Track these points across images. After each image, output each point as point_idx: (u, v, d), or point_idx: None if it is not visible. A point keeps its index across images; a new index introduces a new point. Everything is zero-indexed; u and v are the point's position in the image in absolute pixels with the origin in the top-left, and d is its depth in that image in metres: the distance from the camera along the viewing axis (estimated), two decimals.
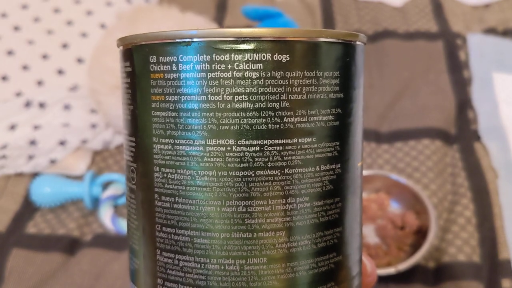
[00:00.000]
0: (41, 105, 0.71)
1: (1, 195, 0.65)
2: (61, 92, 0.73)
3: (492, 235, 0.56)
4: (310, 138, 0.21)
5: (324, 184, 0.22)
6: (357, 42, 0.23)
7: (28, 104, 0.71)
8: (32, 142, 0.67)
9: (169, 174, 0.21)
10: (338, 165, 0.22)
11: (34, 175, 0.66)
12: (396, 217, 0.57)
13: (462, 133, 0.68)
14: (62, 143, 0.68)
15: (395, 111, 0.71)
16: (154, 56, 0.21)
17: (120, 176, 0.61)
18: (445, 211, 0.59)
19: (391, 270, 0.50)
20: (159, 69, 0.21)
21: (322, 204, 0.22)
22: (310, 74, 0.21)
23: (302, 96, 0.21)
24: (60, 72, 0.76)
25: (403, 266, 0.50)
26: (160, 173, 0.22)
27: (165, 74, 0.21)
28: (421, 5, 0.88)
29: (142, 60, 0.22)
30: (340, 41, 0.22)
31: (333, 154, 0.22)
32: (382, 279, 0.53)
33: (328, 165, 0.22)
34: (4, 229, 0.61)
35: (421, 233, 0.54)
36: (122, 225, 0.59)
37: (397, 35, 0.83)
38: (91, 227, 0.61)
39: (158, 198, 0.22)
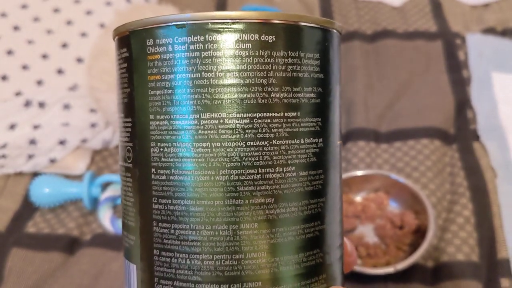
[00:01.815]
0: (41, 105, 0.71)
1: (1, 195, 0.65)
2: (60, 91, 0.73)
3: (491, 235, 0.56)
4: (295, 113, 0.23)
5: (308, 156, 0.24)
6: (334, 30, 0.25)
7: (27, 104, 0.71)
8: (32, 142, 0.67)
9: (165, 148, 0.23)
10: (320, 140, 0.24)
11: (34, 174, 0.67)
12: (395, 216, 0.57)
13: (461, 133, 0.68)
14: (61, 142, 0.68)
15: (394, 111, 0.71)
16: (151, 39, 0.23)
17: (119, 177, 0.61)
18: (444, 211, 0.59)
19: (390, 270, 0.50)
20: (155, 51, 0.23)
21: (307, 174, 0.24)
22: (294, 54, 0.23)
23: (287, 73, 0.23)
24: (60, 71, 0.76)
25: (402, 265, 0.50)
26: (157, 148, 0.23)
27: (161, 55, 0.23)
28: (420, 5, 0.88)
29: (140, 44, 0.23)
30: (318, 26, 0.24)
31: (315, 129, 0.24)
32: (381, 278, 0.53)
33: (311, 138, 0.24)
34: (3, 229, 0.61)
35: (420, 233, 0.54)
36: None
37: (396, 35, 0.83)
38: (91, 227, 0.61)
39: (155, 172, 0.23)
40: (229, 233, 0.23)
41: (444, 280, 0.53)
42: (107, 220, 0.59)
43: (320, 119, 0.24)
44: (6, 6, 0.83)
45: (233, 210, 0.22)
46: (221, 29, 0.22)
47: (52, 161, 0.67)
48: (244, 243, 0.23)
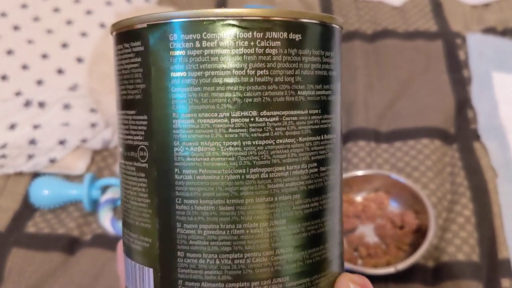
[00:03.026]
0: (41, 105, 0.71)
1: (1, 195, 0.65)
2: (60, 91, 0.73)
3: (491, 235, 0.56)
4: (317, 110, 0.24)
5: (326, 152, 0.24)
6: (340, 27, 0.26)
7: (27, 104, 0.71)
8: (32, 142, 0.67)
9: (192, 147, 0.22)
10: (334, 135, 0.25)
11: (34, 174, 0.66)
12: (395, 216, 0.57)
13: (462, 133, 0.68)
14: (61, 142, 0.68)
15: (394, 111, 0.71)
16: (174, 34, 0.22)
17: (118, 180, 0.61)
18: (445, 211, 0.59)
19: (390, 270, 0.50)
20: (180, 46, 0.22)
21: (326, 169, 0.25)
22: (316, 52, 0.24)
23: (310, 72, 0.23)
24: (60, 71, 0.76)
25: (403, 265, 0.50)
26: (182, 147, 0.22)
27: (187, 51, 0.22)
28: (421, 4, 0.88)
29: (160, 38, 0.22)
30: (333, 25, 0.25)
31: (331, 125, 0.25)
32: (382, 278, 0.53)
33: (329, 134, 0.25)
34: (3, 229, 0.61)
35: (420, 233, 0.54)
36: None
37: (396, 35, 0.83)
38: (91, 227, 0.61)
39: (179, 172, 0.23)
40: (259, 230, 0.23)
41: (444, 280, 0.52)
42: (108, 222, 0.59)
43: (333, 116, 0.25)
44: (6, 5, 0.83)
45: (263, 207, 0.23)
46: (251, 27, 0.22)
47: (52, 161, 0.67)
48: (273, 239, 0.23)
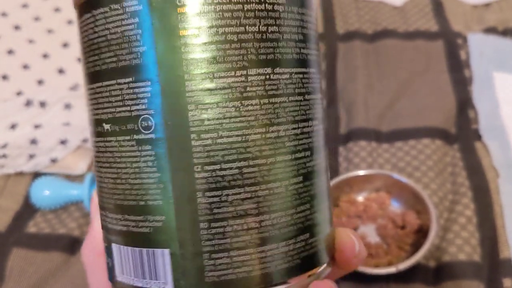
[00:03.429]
0: (42, 104, 0.71)
1: (1, 195, 0.65)
2: (61, 91, 0.73)
3: (493, 235, 0.56)
4: (315, 69, 0.24)
5: (323, 110, 0.25)
6: None
7: (28, 103, 0.71)
8: (33, 141, 0.67)
9: (209, 109, 0.21)
10: (321, 96, 0.26)
11: (35, 174, 0.66)
12: (396, 216, 0.57)
13: (463, 133, 0.68)
14: (62, 142, 0.68)
15: (395, 111, 0.71)
16: None
17: None
18: (446, 211, 0.59)
19: (391, 270, 0.50)
20: (190, 2, 0.21)
21: (322, 127, 0.25)
22: (309, 12, 0.24)
23: (308, 31, 0.24)
24: (61, 71, 0.76)
25: (404, 265, 0.50)
26: (198, 110, 0.21)
27: (198, 7, 0.21)
28: (421, 4, 0.88)
29: None
30: None
31: (320, 85, 0.26)
32: (383, 278, 0.53)
33: (321, 94, 0.25)
34: (4, 229, 0.61)
35: (421, 233, 0.54)
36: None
37: (397, 35, 0.83)
38: None
39: (197, 137, 0.21)
40: (282, 189, 0.23)
41: (446, 280, 0.52)
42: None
43: (319, 76, 0.26)
44: (6, 5, 0.83)
45: (283, 166, 0.23)
46: None
47: (53, 160, 0.67)
48: (293, 197, 0.23)
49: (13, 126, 0.69)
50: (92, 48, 0.23)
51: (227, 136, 0.21)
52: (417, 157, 0.64)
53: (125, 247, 0.23)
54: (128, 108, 0.22)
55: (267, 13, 0.22)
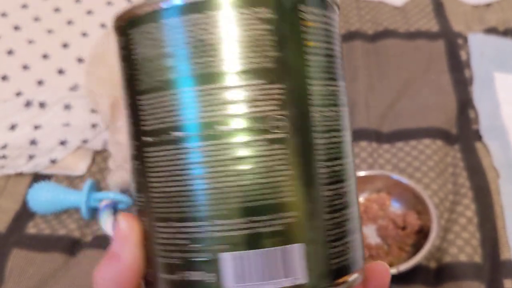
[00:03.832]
0: (41, 105, 0.71)
1: (1, 195, 0.64)
2: (61, 91, 0.72)
3: (493, 235, 0.56)
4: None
5: None
6: None
7: (28, 104, 0.71)
8: (32, 142, 0.67)
9: (325, 112, 0.24)
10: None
11: (35, 175, 0.66)
12: (397, 217, 0.56)
13: (463, 133, 0.68)
14: (62, 143, 0.67)
15: (396, 111, 0.71)
16: (303, 6, 0.23)
17: (116, 194, 0.60)
18: (447, 211, 0.59)
19: (392, 271, 0.50)
20: (311, 18, 0.24)
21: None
22: None
23: None
24: (60, 71, 0.76)
25: (405, 266, 0.50)
26: (317, 112, 0.23)
27: (318, 23, 0.24)
28: (422, 4, 0.88)
29: (291, 9, 0.23)
30: None
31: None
32: None
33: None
34: (4, 229, 0.61)
35: (422, 233, 0.54)
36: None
37: (397, 35, 0.83)
38: (92, 228, 0.61)
39: (319, 136, 0.23)
40: (354, 186, 0.26)
41: (446, 281, 0.52)
42: (109, 226, 0.59)
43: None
44: (6, 5, 0.82)
45: (352, 165, 0.26)
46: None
47: (53, 161, 0.67)
48: (356, 194, 0.26)
49: (12, 127, 0.68)
50: (206, 49, 0.23)
51: (340, 136, 0.24)
52: (417, 158, 0.64)
53: (247, 252, 0.22)
54: (261, 108, 0.22)
55: (335, 35, 0.25)
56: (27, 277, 0.55)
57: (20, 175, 0.66)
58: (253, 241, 0.22)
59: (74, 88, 0.74)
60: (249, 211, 0.22)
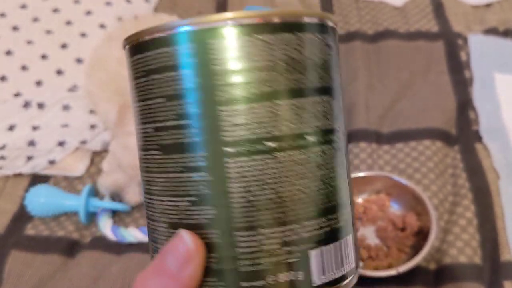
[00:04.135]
0: (40, 106, 0.70)
1: (0, 196, 0.64)
2: (60, 92, 0.72)
3: (493, 237, 0.56)
4: None
5: None
6: None
7: (26, 105, 0.71)
8: (31, 143, 0.67)
9: (343, 128, 0.28)
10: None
11: (33, 176, 0.66)
12: (396, 218, 0.56)
13: (463, 134, 0.67)
14: (61, 143, 0.67)
15: (395, 112, 0.71)
16: (333, 41, 0.27)
17: (112, 204, 0.60)
18: (446, 213, 0.58)
19: (392, 272, 0.50)
20: (335, 49, 0.28)
21: None
22: None
23: None
24: (59, 72, 0.75)
25: (404, 267, 0.50)
26: (343, 127, 0.28)
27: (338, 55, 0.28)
28: (422, 5, 0.88)
29: (336, 40, 0.27)
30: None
31: None
32: (383, 280, 0.52)
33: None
34: (2, 231, 0.61)
35: (422, 235, 0.54)
36: (123, 234, 0.58)
37: (397, 35, 0.82)
38: (90, 230, 0.60)
39: (346, 151, 0.28)
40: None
41: (446, 283, 0.52)
42: (109, 229, 0.59)
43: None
44: (5, 6, 0.82)
45: None
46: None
47: (51, 162, 0.66)
48: None
49: (11, 128, 0.68)
50: (296, 67, 0.25)
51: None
52: (417, 159, 0.64)
53: (327, 246, 0.25)
54: (329, 122, 0.26)
55: None
56: (25, 279, 0.55)
57: (18, 176, 0.66)
58: (330, 236, 0.25)
59: (73, 88, 0.73)
60: (328, 211, 0.26)
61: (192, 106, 0.24)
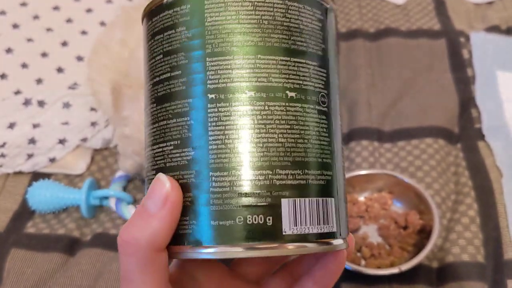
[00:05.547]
0: (40, 103, 0.70)
1: (0, 195, 0.64)
2: (60, 90, 0.72)
3: (496, 235, 0.55)
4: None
5: None
6: None
7: (27, 102, 0.70)
8: (31, 141, 0.67)
9: (337, 95, 0.30)
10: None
11: (34, 174, 0.66)
12: (399, 216, 0.56)
13: (466, 132, 0.67)
14: (61, 141, 0.67)
15: (397, 110, 0.71)
16: (334, 13, 0.30)
17: (116, 192, 0.60)
18: (449, 211, 0.58)
19: (394, 270, 0.50)
20: (331, 26, 0.30)
21: None
22: None
23: None
24: (60, 70, 0.75)
25: (407, 266, 0.50)
26: (338, 95, 0.30)
27: (334, 30, 0.31)
28: (424, 2, 0.87)
29: (330, 15, 0.30)
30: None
31: None
32: (386, 279, 0.52)
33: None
34: (2, 229, 0.60)
35: (424, 233, 0.54)
36: (124, 212, 0.59)
37: (399, 33, 0.82)
38: (91, 227, 0.60)
39: (340, 114, 0.30)
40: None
41: (449, 281, 0.52)
42: (113, 203, 0.60)
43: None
44: (5, 3, 0.82)
45: None
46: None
47: (52, 160, 0.66)
48: None
49: (11, 125, 0.68)
50: (279, 29, 0.27)
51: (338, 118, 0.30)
52: (419, 157, 0.63)
53: (300, 199, 0.26)
54: (312, 84, 0.28)
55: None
56: (25, 278, 0.55)
57: (19, 174, 0.66)
58: (305, 190, 0.26)
59: (73, 86, 0.73)
60: (304, 165, 0.26)
61: (183, 58, 0.27)
